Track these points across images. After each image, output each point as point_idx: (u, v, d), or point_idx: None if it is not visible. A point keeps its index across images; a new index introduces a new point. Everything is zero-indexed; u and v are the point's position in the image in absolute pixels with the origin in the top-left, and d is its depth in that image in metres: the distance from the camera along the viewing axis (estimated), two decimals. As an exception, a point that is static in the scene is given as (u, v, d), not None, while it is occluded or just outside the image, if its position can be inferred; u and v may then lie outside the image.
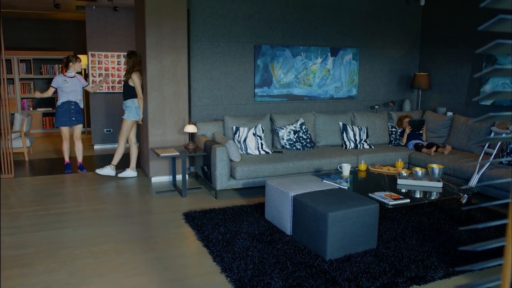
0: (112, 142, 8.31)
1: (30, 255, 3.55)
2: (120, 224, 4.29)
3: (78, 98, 6.15)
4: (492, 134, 5.17)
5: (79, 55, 9.23)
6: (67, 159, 6.31)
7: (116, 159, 6.09)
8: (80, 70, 6.22)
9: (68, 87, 6.03)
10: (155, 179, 5.84)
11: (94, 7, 7.65)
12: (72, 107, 6.08)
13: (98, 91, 8.05)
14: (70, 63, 6.05)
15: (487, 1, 0.86)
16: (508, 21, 0.85)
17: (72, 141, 6.54)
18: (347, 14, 6.80)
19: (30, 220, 4.36)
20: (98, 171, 6.13)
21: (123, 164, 6.48)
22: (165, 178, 5.89)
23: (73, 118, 6.12)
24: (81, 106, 6.20)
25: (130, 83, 5.81)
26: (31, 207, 4.76)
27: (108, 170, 6.09)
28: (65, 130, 6.15)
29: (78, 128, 6.26)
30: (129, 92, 5.86)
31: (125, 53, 6.10)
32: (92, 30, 7.83)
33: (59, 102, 6.07)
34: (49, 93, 6.12)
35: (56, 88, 6.06)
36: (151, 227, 4.23)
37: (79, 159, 6.32)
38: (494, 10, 5.80)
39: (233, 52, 6.19)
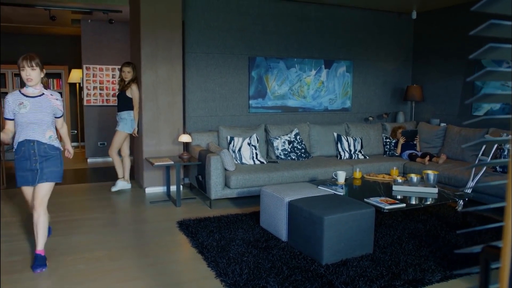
0: (106, 155, 8.25)
1: (20, 261, 3.48)
2: (113, 232, 4.23)
3: (46, 134, 3.37)
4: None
5: (74, 69, 9.28)
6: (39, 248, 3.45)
7: (121, 172, 5.88)
8: (47, 85, 3.55)
9: (25, 114, 3.30)
10: (149, 190, 5.79)
11: (89, 20, 7.70)
12: (33, 151, 3.34)
13: (92, 104, 8.04)
14: (24, 68, 3.27)
15: (476, 30, 0.87)
16: (497, 49, 0.87)
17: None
18: (340, 27, 6.89)
19: (21, 228, 4.29)
20: (113, 188, 5.81)
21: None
22: (159, 189, 5.84)
23: (36, 171, 3.36)
24: (56, 145, 3.44)
25: (128, 94, 5.66)
26: (23, 216, 4.69)
27: (122, 184, 5.87)
28: (27, 191, 3.53)
29: (43, 189, 3.37)
30: (126, 103, 5.69)
31: (125, 65, 5.65)
32: (87, 43, 7.86)
33: (14, 144, 3.40)
34: (9, 129, 3.38)
35: (13, 120, 3.36)
36: (145, 235, 4.17)
37: (39, 245, 3.39)
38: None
39: (227, 63, 6.23)
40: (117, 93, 5.88)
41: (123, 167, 5.92)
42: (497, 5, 0.84)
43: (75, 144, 10.09)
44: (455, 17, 6.63)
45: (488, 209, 4.98)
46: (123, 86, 5.70)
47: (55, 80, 9.68)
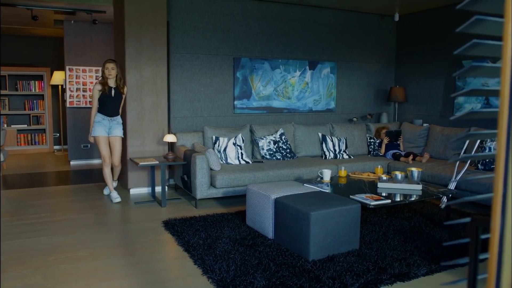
0: (90, 158, 8.14)
1: (1, 262, 3.40)
2: (97, 232, 4.17)
3: None
4: (467, 141, 5.28)
5: (57, 71, 9.15)
6: None
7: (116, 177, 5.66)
8: None
9: None
10: (133, 191, 5.72)
11: (72, 21, 7.62)
12: None
13: (75, 105, 7.93)
14: None
15: (462, 27, 0.89)
16: (481, 45, 0.88)
17: None
18: (324, 29, 6.95)
19: (3, 229, 4.19)
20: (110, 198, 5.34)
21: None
22: (144, 190, 5.78)
23: None
24: None
25: (123, 96, 5.32)
26: (5, 217, 4.59)
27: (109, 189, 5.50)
28: None
29: None
30: (120, 106, 5.32)
31: (109, 62, 5.13)
32: (70, 44, 7.76)
33: None
34: None
35: None
36: (130, 234, 4.12)
37: None
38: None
39: (212, 64, 6.22)
40: (104, 95, 5.12)
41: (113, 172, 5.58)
42: (482, 3, 0.86)
43: (57, 147, 9.93)
44: (437, 19, 6.75)
45: (471, 204, 5.05)
46: (117, 86, 5.19)
47: (37, 82, 9.53)
